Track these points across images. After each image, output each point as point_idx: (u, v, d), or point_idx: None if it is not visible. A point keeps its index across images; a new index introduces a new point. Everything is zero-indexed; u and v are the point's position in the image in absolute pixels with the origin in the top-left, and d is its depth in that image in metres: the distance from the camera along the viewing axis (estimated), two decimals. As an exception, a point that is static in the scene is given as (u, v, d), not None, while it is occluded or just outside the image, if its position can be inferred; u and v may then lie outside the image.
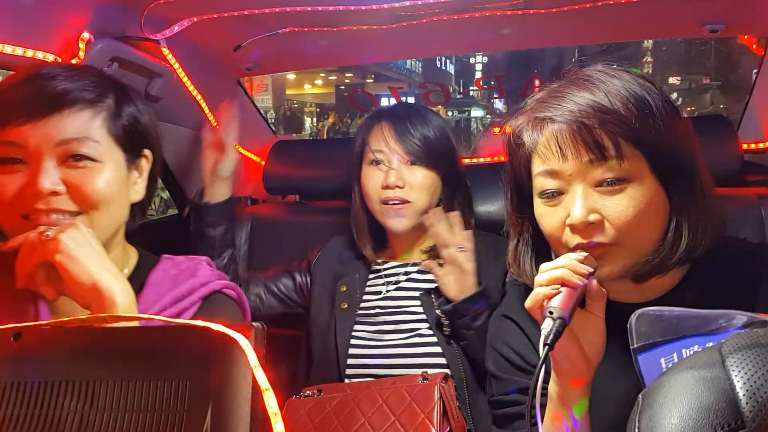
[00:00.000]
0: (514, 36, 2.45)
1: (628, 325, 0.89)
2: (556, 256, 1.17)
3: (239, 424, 0.69)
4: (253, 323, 0.75)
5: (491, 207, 2.22)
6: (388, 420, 1.64)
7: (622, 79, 1.19)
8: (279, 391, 0.70)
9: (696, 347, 0.83)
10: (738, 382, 0.57)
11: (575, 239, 1.15)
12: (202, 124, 2.42)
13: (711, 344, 0.67)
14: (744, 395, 0.56)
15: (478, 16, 2.05)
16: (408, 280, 1.95)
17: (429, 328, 1.86)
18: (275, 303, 2.07)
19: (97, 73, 1.29)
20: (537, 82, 1.51)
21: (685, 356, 0.83)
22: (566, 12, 2.01)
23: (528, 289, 1.13)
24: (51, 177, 1.15)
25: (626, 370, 1.01)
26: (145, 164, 1.34)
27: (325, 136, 20.92)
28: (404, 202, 1.89)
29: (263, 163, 2.63)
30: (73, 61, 1.67)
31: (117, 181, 1.24)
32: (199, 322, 0.75)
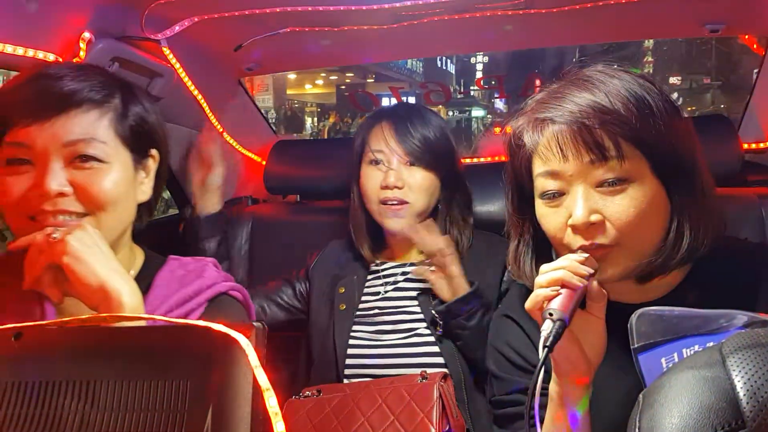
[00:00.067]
0: (514, 36, 2.45)
1: (628, 325, 0.89)
2: (557, 257, 1.17)
3: (240, 424, 0.69)
4: (254, 323, 0.75)
5: (492, 207, 2.22)
6: (388, 419, 1.64)
7: (622, 79, 1.19)
8: (279, 392, 0.70)
9: (696, 347, 0.83)
10: (738, 381, 0.57)
11: (577, 240, 1.15)
12: (203, 124, 2.43)
13: (711, 344, 0.67)
14: (744, 395, 0.56)
15: (479, 15, 2.05)
16: (406, 280, 1.95)
17: (427, 328, 1.87)
18: (278, 312, 2.07)
19: (103, 73, 1.29)
20: (538, 82, 1.52)
21: (685, 356, 0.83)
22: (567, 12, 2.01)
23: (529, 289, 1.13)
24: (58, 178, 1.15)
25: (627, 370, 1.01)
26: (152, 164, 1.33)
27: (325, 136, 20.90)
28: (403, 202, 1.89)
29: (264, 162, 2.63)
30: (74, 61, 1.67)
31: (124, 181, 1.23)
32: (200, 322, 0.75)
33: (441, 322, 1.80)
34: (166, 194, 2.58)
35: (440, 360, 1.82)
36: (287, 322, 2.08)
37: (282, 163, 2.58)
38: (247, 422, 0.69)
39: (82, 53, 1.69)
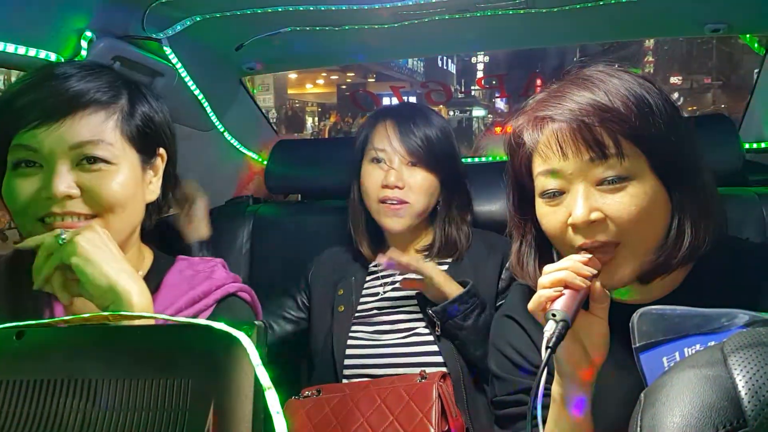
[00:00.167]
0: (515, 35, 2.46)
1: (630, 324, 0.89)
2: (559, 257, 1.17)
3: (241, 423, 0.69)
4: (255, 322, 0.75)
5: (493, 207, 2.22)
6: (387, 420, 1.64)
7: (622, 78, 1.19)
8: (280, 393, 0.70)
9: (698, 346, 0.83)
10: (740, 380, 0.57)
11: (578, 239, 1.15)
12: (204, 123, 2.43)
13: (713, 343, 0.67)
14: (746, 394, 0.56)
15: (480, 15, 2.05)
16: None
17: (426, 327, 1.87)
18: (286, 325, 2.06)
19: (110, 72, 1.28)
20: (539, 82, 1.51)
21: (687, 355, 0.83)
22: (568, 11, 2.01)
23: (532, 289, 1.13)
24: (65, 180, 1.15)
25: (628, 369, 1.01)
26: (160, 163, 1.33)
27: (326, 136, 20.91)
28: (402, 202, 1.89)
29: (265, 162, 2.63)
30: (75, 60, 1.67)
31: (132, 182, 1.23)
32: (202, 321, 0.75)
33: (438, 323, 1.80)
34: (167, 194, 2.58)
35: (439, 359, 1.82)
36: (295, 334, 2.07)
37: (283, 163, 2.58)
38: (248, 421, 0.69)
39: (83, 52, 1.69)
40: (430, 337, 1.84)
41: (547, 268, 1.12)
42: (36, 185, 1.16)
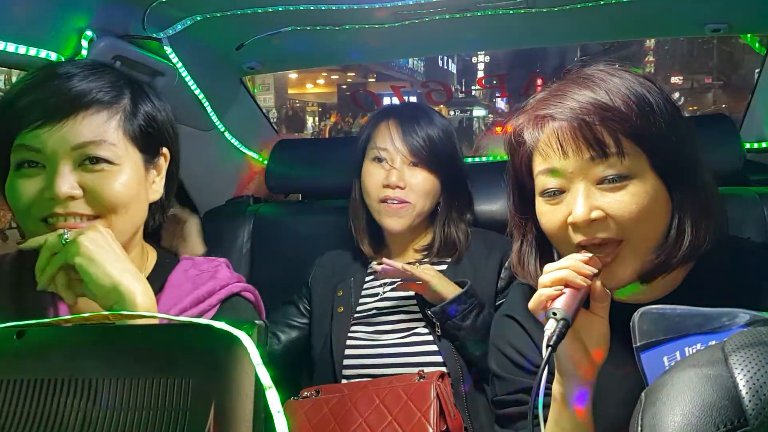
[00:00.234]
0: (516, 35, 2.46)
1: (630, 324, 0.89)
2: (560, 257, 1.17)
3: (242, 422, 0.69)
4: (256, 321, 0.75)
5: (493, 206, 2.22)
6: (385, 419, 1.64)
7: (622, 78, 1.19)
8: (279, 393, 0.70)
9: (699, 345, 0.83)
10: (741, 380, 0.57)
11: (578, 237, 1.15)
12: (205, 123, 2.43)
13: (714, 342, 0.67)
14: (747, 393, 0.56)
15: (480, 15, 2.05)
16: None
17: (425, 327, 1.87)
18: (291, 332, 2.06)
19: (113, 72, 1.28)
20: (539, 82, 1.51)
21: (687, 354, 0.83)
22: (568, 11, 2.01)
23: (532, 289, 1.13)
24: (68, 181, 1.15)
25: (629, 368, 1.01)
26: (163, 163, 1.32)
27: (327, 136, 20.91)
28: (403, 202, 1.89)
29: (265, 162, 2.63)
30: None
31: (135, 183, 1.22)
32: (202, 320, 0.75)
33: (437, 324, 1.80)
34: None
35: (439, 359, 1.81)
36: (300, 339, 2.07)
37: (283, 163, 2.58)
38: (249, 420, 0.69)
39: (83, 51, 1.69)
40: (430, 337, 1.84)
41: (548, 267, 1.12)
42: (39, 186, 1.16)
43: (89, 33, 1.69)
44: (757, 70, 2.58)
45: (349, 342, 1.91)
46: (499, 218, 2.09)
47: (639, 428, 0.63)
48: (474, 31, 2.28)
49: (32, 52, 1.58)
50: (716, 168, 1.24)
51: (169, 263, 1.37)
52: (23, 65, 1.62)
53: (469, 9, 2.03)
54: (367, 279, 2.03)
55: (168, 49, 1.99)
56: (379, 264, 1.84)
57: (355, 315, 1.95)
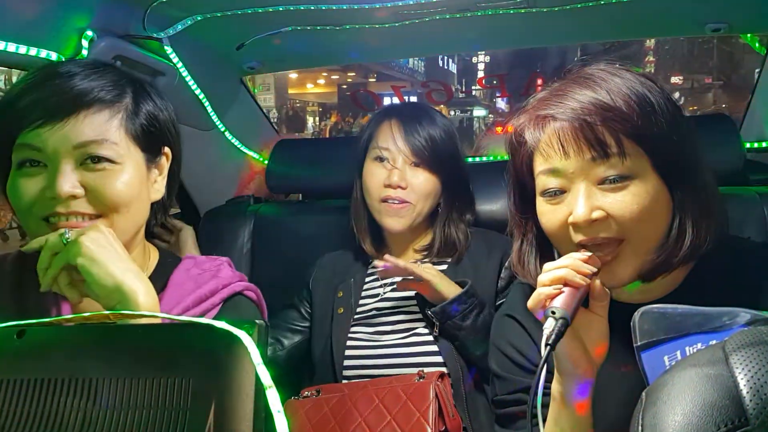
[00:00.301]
0: (516, 35, 2.46)
1: (631, 323, 0.89)
2: (560, 256, 1.17)
3: (242, 422, 0.69)
4: (256, 321, 0.75)
5: (494, 206, 2.22)
6: (385, 419, 1.65)
7: (623, 77, 1.19)
8: (280, 393, 0.70)
9: (699, 345, 0.83)
10: (742, 379, 0.57)
11: (578, 237, 1.15)
12: (205, 123, 2.43)
13: (714, 342, 0.67)
14: (748, 392, 0.56)
15: (480, 14, 2.05)
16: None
17: (425, 327, 1.86)
18: (294, 336, 2.05)
19: (114, 71, 1.27)
20: (540, 81, 1.51)
21: (688, 354, 0.83)
22: (568, 10, 2.01)
23: (532, 288, 1.13)
24: (70, 180, 1.14)
25: (629, 368, 1.01)
26: (165, 162, 1.32)
27: (327, 136, 20.91)
28: (404, 202, 1.89)
29: (266, 162, 2.63)
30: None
31: (136, 182, 1.22)
32: (203, 320, 0.75)
33: (437, 323, 1.80)
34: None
35: (439, 359, 1.81)
36: (303, 342, 2.06)
37: (284, 162, 2.58)
38: (249, 420, 0.69)
39: (84, 51, 1.69)
40: (430, 338, 1.84)
41: (547, 266, 1.12)
42: (40, 185, 1.16)
43: (90, 33, 1.69)
44: (757, 70, 2.58)
45: (349, 343, 1.90)
46: (499, 218, 2.09)
47: (640, 428, 0.63)
48: (474, 31, 2.28)
49: (33, 52, 1.58)
50: (716, 168, 1.24)
51: (171, 262, 1.37)
52: (24, 65, 1.62)
53: (470, 9, 2.03)
54: (367, 280, 2.03)
55: (168, 49, 1.99)
56: (382, 261, 1.84)
57: (356, 316, 1.95)
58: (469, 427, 1.74)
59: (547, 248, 1.29)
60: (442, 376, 1.69)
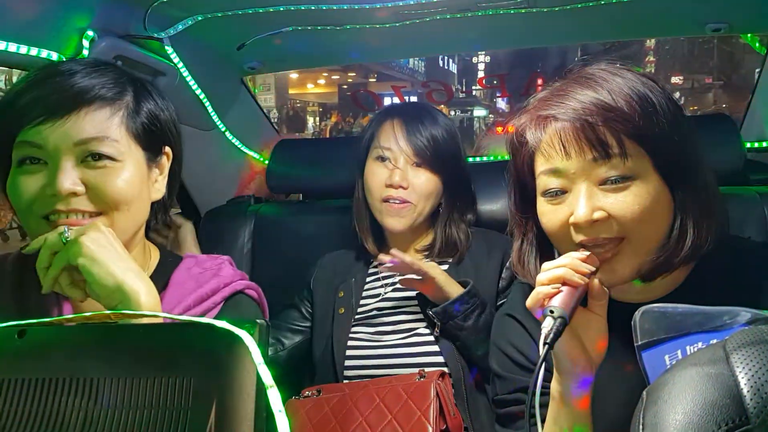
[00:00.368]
0: (516, 35, 2.46)
1: (632, 323, 0.89)
2: (560, 256, 1.17)
3: (243, 421, 0.69)
4: (258, 320, 0.75)
5: (494, 206, 2.22)
6: (385, 418, 1.64)
7: (625, 77, 1.19)
8: (281, 393, 0.70)
9: (700, 344, 0.83)
10: (742, 378, 0.57)
11: (579, 237, 1.15)
12: (206, 123, 2.43)
13: (715, 341, 0.67)
14: (748, 392, 0.56)
15: (481, 14, 2.05)
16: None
17: (426, 327, 1.86)
18: (294, 337, 2.05)
19: (115, 69, 1.28)
20: (540, 81, 1.51)
21: (689, 353, 0.83)
22: (569, 10, 2.01)
23: (532, 288, 1.14)
24: (70, 177, 1.14)
25: (629, 368, 1.01)
26: (166, 161, 1.32)
27: (327, 136, 20.89)
28: (405, 202, 1.89)
29: (266, 162, 2.63)
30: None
31: (137, 180, 1.22)
32: (204, 319, 0.75)
33: (438, 323, 1.80)
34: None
35: (440, 359, 1.81)
36: (303, 343, 2.06)
37: (284, 162, 2.58)
38: (250, 419, 0.69)
39: (85, 51, 1.69)
40: (431, 337, 1.84)
41: (546, 265, 1.12)
42: (40, 182, 1.16)
43: (90, 33, 1.69)
44: (757, 70, 2.58)
45: (350, 343, 1.90)
46: (499, 218, 2.09)
47: (640, 427, 0.63)
48: (474, 31, 2.28)
49: (33, 52, 1.58)
50: (717, 168, 1.24)
51: (172, 261, 1.37)
52: (24, 65, 1.63)
53: (470, 9, 2.03)
54: (368, 280, 2.02)
55: (169, 49, 1.99)
56: (388, 255, 1.83)
57: (356, 316, 1.94)
58: (470, 428, 1.74)
59: (547, 248, 1.29)
60: (442, 375, 1.69)
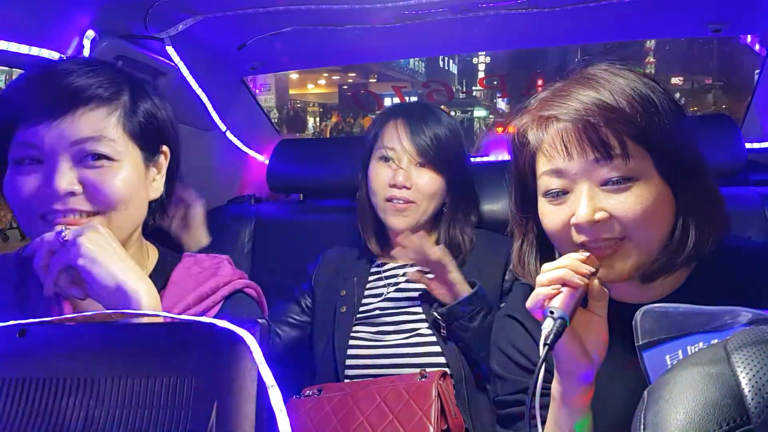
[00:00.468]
0: (517, 35, 2.46)
1: (633, 322, 0.89)
2: (560, 256, 1.17)
3: (244, 421, 0.69)
4: (258, 320, 0.75)
5: (495, 206, 2.22)
6: (387, 418, 1.64)
7: (626, 77, 1.18)
8: (283, 392, 0.70)
9: (701, 344, 0.83)
10: (743, 378, 0.57)
11: (581, 237, 1.15)
12: (206, 123, 2.43)
13: (716, 341, 0.67)
14: (749, 391, 0.56)
15: (482, 15, 2.05)
16: (407, 280, 1.94)
17: (428, 328, 1.86)
18: (291, 331, 2.05)
19: (112, 69, 1.27)
20: (540, 82, 1.51)
21: (690, 353, 0.83)
22: (569, 11, 2.02)
23: (533, 289, 1.13)
24: (67, 177, 1.14)
25: (630, 368, 1.01)
26: (164, 161, 1.32)
27: (328, 136, 20.88)
28: (408, 202, 1.89)
29: (267, 162, 2.63)
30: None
31: (135, 179, 1.22)
32: (205, 319, 0.75)
33: (444, 324, 1.79)
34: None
35: (442, 360, 1.81)
36: (300, 339, 2.07)
37: (285, 162, 2.59)
38: (251, 419, 0.69)
39: (86, 51, 1.69)
40: (433, 338, 1.84)
41: (546, 266, 1.12)
42: (38, 182, 1.15)
43: (92, 33, 1.70)
44: (757, 71, 2.58)
45: (351, 342, 1.90)
46: (500, 218, 2.09)
47: (642, 426, 0.63)
48: (475, 31, 2.28)
49: (34, 51, 1.58)
50: (717, 168, 1.24)
51: (170, 261, 1.37)
52: (25, 65, 1.63)
53: (470, 9, 2.03)
54: (370, 279, 2.02)
55: (170, 49, 1.99)
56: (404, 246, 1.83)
57: (358, 315, 1.94)
58: (471, 428, 1.74)
59: (548, 248, 1.29)
60: (444, 375, 1.69)
